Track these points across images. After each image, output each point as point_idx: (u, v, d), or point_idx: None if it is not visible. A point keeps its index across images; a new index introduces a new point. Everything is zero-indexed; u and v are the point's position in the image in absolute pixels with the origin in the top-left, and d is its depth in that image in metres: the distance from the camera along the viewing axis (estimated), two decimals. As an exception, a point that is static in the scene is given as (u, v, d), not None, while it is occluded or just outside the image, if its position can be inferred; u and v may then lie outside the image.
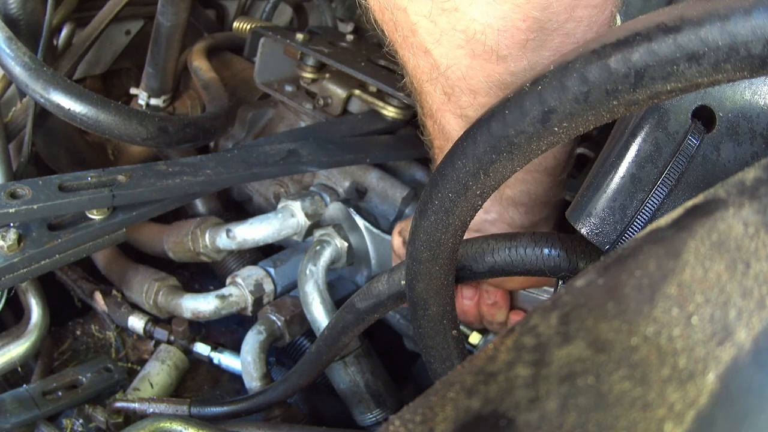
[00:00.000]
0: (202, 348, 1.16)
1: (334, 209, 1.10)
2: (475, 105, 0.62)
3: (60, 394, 0.95)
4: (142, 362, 1.14)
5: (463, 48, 0.56)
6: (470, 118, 0.63)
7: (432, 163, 0.80)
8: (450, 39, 0.56)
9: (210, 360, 1.16)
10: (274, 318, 1.08)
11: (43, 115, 1.06)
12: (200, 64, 1.33)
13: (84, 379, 0.98)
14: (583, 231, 0.54)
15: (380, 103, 1.18)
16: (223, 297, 1.07)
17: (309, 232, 1.11)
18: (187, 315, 1.09)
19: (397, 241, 0.90)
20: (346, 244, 1.08)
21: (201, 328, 1.26)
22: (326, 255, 1.06)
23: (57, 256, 0.86)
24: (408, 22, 0.58)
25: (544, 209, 0.75)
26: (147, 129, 0.96)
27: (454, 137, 0.67)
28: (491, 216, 0.74)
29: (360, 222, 1.06)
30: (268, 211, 1.14)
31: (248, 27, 1.47)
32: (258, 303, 1.10)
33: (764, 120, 0.51)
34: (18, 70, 0.90)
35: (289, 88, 1.27)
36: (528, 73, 0.56)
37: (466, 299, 0.85)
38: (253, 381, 1.02)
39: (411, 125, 1.17)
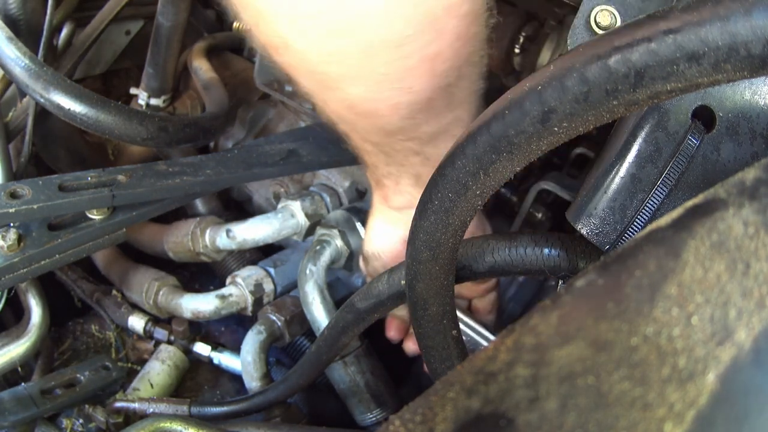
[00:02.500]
0: (202, 348, 1.16)
1: (336, 216, 1.10)
2: (372, 139, 0.69)
3: (58, 392, 0.95)
4: (142, 362, 1.14)
5: (346, 111, 0.64)
6: (373, 142, 0.70)
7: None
8: (335, 104, 0.64)
9: (210, 360, 1.16)
10: (274, 318, 1.08)
11: (43, 115, 1.06)
12: (200, 64, 1.33)
13: (82, 378, 0.97)
14: (583, 231, 0.54)
15: (380, 103, 1.18)
16: (223, 297, 1.07)
17: (309, 232, 1.11)
18: (187, 315, 1.09)
19: (360, 261, 0.92)
20: (346, 248, 1.08)
21: (201, 328, 1.26)
22: (326, 255, 1.06)
23: (57, 256, 0.86)
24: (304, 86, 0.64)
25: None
26: (147, 129, 0.96)
27: (363, 149, 0.73)
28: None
29: (363, 231, 1.06)
30: (268, 211, 1.14)
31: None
32: (258, 303, 1.10)
33: (764, 120, 0.51)
34: (18, 70, 0.90)
35: (289, 88, 1.27)
36: (409, 120, 0.62)
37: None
38: (253, 381, 1.02)
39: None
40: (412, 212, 0.75)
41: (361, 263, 0.91)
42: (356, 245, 1.08)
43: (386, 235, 0.82)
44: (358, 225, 1.06)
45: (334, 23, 0.52)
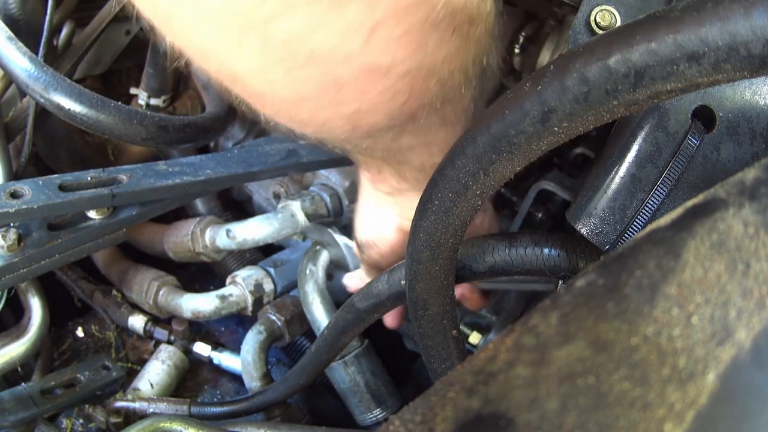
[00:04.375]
0: (202, 348, 1.16)
1: (311, 229, 1.09)
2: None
3: (58, 392, 0.95)
4: (142, 362, 1.14)
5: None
6: None
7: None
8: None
9: (210, 360, 1.16)
10: (274, 318, 1.08)
11: (43, 115, 1.06)
12: (200, 64, 1.33)
13: (82, 378, 0.97)
14: (583, 231, 0.54)
15: (380, 103, 1.18)
16: (223, 297, 1.08)
17: (309, 232, 1.11)
18: (187, 315, 1.09)
19: (354, 247, 0.87)
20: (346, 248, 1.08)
21: (201, 328, 1.26)
22: (326, 255, 1.06)
23: (57, 256, 0.86)
24: None
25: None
26: (147, 129, 0.96)
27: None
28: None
29: (340, 240, 1.05)
30: (268, 211, 1.14)
31: (248, 27, 1.47)
32: (258, 303, 1.10)
33: (764, 120, 0.51)
34: (18, 70, 0.90)
35: (289, 88, 1.27)
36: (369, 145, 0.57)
37: None
38: (253, 381, 1.02)
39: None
40: (401, 198, 0.71)
41: (356, 251, 0.87)
42: (336, 256, 1.07)
43: (378, 220, 0.76)
44: (338, 237, 1.05)
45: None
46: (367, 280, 0.86)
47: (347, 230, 1.06)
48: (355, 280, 0.92)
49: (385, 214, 0.75)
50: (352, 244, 1.04)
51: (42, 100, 0.90)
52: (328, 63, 0.44)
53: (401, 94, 0.48)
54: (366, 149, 0.62)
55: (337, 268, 1.09)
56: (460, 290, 0.84)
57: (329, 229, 1.06)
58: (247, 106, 0.53)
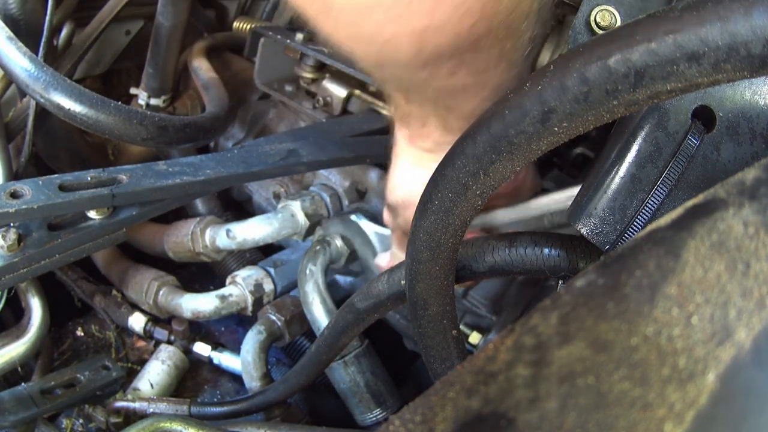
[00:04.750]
0: (202, 348, 1.16)
1: (333, 223, 1.09)
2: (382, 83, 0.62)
3: (58, 392, 0.95)
4: (142, 362, 1.14)
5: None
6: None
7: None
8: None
9: (210, 360, 1.16)
10: (274, 318, 1.08)
11: (43, 115, 1.06)
12: (200, 64, 1.33)
13: (82, 378, 0.98)
14: (583, 231, 0.54)
15: (380, 103, 1.18)
16: (223, 297, 1.08)
17: (309, 232, 1.11)
18: (187, 315, 1.09)
19: (386, 214, 0.84)
20: (346, 248, 1.08)
21: (201, 328, 1.26)
22: (326, 255, 1.06)
23: (57, 256, 0.86)
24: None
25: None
26: (147, 129, 0.96)
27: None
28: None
29: (369, 228, 1.05)
30: (268, 211, 1.14)
31: (248, 27, 1.47)
32: (258, 303, 1.10)
33: (764, 120, 0.51)
34: (18, 70, 0.90)
35: (289, 88, 1.28)
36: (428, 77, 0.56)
37: None
38: (253, 381, 1.02)
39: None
40: (443, 154, 0.72)
41: (386, 217, 0.83)
42: (360, 245, 1.07)
43: (417, 177, 0.72)
44: (363, 224, 1.05)
45: None
46: (399, 254, 0.84)
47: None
48: (386, 258, 0.90)
49: (424, 171, 0.71)
50: (382, 231, 1.03)
51: (42, 100, 0.90)
52: None
53: (471, 14, 0.48)
54: (418, 87, 0.61)
55: (355, 261, 1.09)
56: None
57: (353, 217, 1.05)
58: (308, 19, 0.52)
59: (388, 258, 0.90)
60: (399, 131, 0.73)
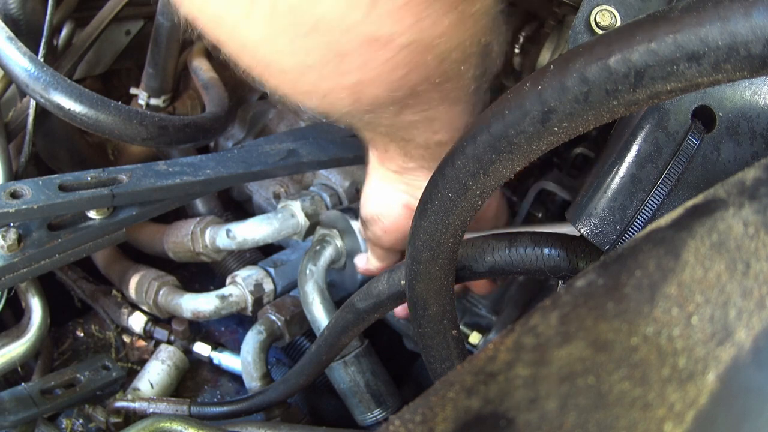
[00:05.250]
0: (202, 348, 1.16)
1: (330, 216, 1.10)
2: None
3: (58, 392, 0.95)
4: (142, 362, 1.14)
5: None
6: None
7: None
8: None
9: (210, 360, 1.16)
10: (274, 318, 1.08)
11: (43, 115, 1.06)
12: (200, 64, 1.33)
13: (82, 378, 0.98)
14: (583, 231, 0.54)
15: (380, 103, 1.18)
16: (223, 297, 1.08)
17: (309, 232, 1.11)
18: (187, 315, 1.09)
19: (359, 224, 0.88)
20: (346, 247, 1.08)
21: (201, 328, 1.26)
22: (326, 255, 1.06)
23: (57, 256, 0.86)
24: None
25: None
26: (147, 129, 0.96)
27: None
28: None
29: (356, 226, 1.06)
30: (268, 211, 1.14)
31: (248, 27, 1.47)
32: (258, 303, 1.10)
33: (764, 120, 0.51)
34: (18, 70, 0.90)
35: (289, 88, 1.27)
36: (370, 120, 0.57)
37: None
38: (253, 381, 1.02)
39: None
40: (408, 176, 0.71)
41: (360, 228, 0.87)
42: (351, 246, 1.08)
43: (384, 196, 0.77)
44: (354, 224, 1.05)
45: None
46: (372, 260, 0.89)
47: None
48: (362, 260, 0.95)
49: (392, 191, 0.76)
50: None
51: (42, 100, 0.90)
52: (331, 32, 0.45)
53: (401, 66, 0.49)
54: (370, 124, 0.63)
55: (349, 257, 1.09)
56: None
57: (346, 216, 1.06)
58: (254, 77, 0.55)
59: (364, 260, 0.94)
60: (369, 151, 0.77)
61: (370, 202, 0.80)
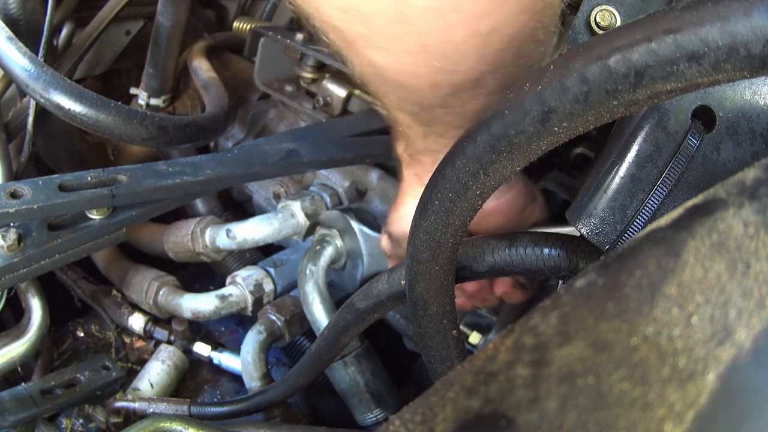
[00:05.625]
0: (202, 348, 1.16)
1: (330, 216, 1.10)
2: (404, 110, 0.61)
3: (59, 392, 0.95)
4: (142, 362, 1.14)
5: (376, 80, 0.56)
6: (407, 111, 0.63)
7: (391, 129, 0.77)
8: (363, 71, 0.56)
9: (210, 360, 1.16)
10: (274, 318, 1.08)
11: (43, 115, 1.06)
12: (200, 64, 1.33)
13: (82, 378, 0.98)
14: (583, 231, 0.54)
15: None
16: (223, 297, 1.08)
17: (309, 232, 1.11)
18: (187, 315, 1.09)
19: (384, 241, 0.88)
20: (346, 247, 1.08)
21: (201, 328, 1.26)
22: (326, 255, 1.06)
23: (57, 256, 0.86)
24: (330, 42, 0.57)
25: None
26: (147, 129, 0.96)
27: (400, 121, 0.66)
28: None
29: (356, 226, 1.06)
30: (268, 211, 1.14)
31: (248, 27, 1.47)
32: (258, 303, 1.10)
33: (764, 120, 0.51)
34: (18, 70, 0.90)
35: (289, 88, 1.28)
36: (451, 97, 0.55)
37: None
38: (253, 381, 1.02)
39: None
40: None
41: (386, 245, 0.86)
42: (351, 246, 1.08)
43: None
44: (354, 224, 1.05)
45: None
46: None
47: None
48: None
49: None
50: (369, 232, 1.04)
51: (42, 100, 0.90)
52: None
53: (519, 22, 0.48)
54: (433, 118, 0.61)
55: (349, 257, 1.09)
56: (502, 288, 0.83)
57: (346, 216, 1.06)
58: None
59: None
60: (407, 170, 0.75)
61: (404, 221, 0.78)
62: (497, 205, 0.74)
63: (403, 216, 0.79)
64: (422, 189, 0.73)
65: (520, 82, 0.42)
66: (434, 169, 0.70)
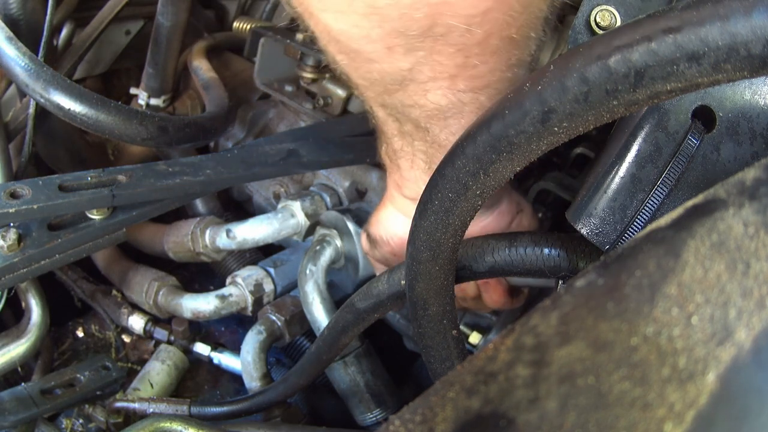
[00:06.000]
0: (202, 348, 1.16)
1: (329, 217, 1.10)
2: (372, 90, 0.61)
3: (58, 392, 0.95)
4: (142, 362, 1.14)
5: (332, 46, 0.56)
6: (375, 100, 0.63)
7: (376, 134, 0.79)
8: (321, 37, 0.56)
9: (210, 360, 1.16)
10: (274, 318, 1.08)
11: (43, 115, 1.06)
12: (200, 64, 1.33)
13: (82, 378, 0.98)
14: (583, 231, 0.54)
15: (380, 103, 1.18)
16: (223, 297, 1.08)
17: (309, 232, 1.11)
18: (187, 315, 1.09)
19: (363, 239, 0.89)
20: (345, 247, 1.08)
21: (201, 328, 1.26)
22: (326, 255, 1.06)
23: (57, 256, 0.86)
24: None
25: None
26: (147, 129, 0.96)
27: (376, 115, 0.67)
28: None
29: (353, 228, 1.06)
30: (268, 211, 1.14)
31: (248, 27, 1.47)
32: (258, 303, 1.10)
33: (764, 120, 0.51)
34: (18, 70, 0.90)
35: (289, 88, 1.27)
36: (411, 70, 0.55)
37: None
38: (253, 381, 1.02)
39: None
40: None
41: (365, 245, 0.88)
42: (348, 248, 1.08)
43: (398, 221, 0.79)
44: (351, 226, 1.05)
45: None
46: (380, 267, 0.90)
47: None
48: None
49: (404, 218, 0.78)
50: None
51: (42, 100, 0.90)
52: None
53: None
54: (400, 109, 0.61)
55: (346, 258, 1.09)
56: (496, 298, 0.84)
57: (345, 218, 1.06)
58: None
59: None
60: (389, 177, 0.78)
61: (382, 226, 0.82)
62: (482, 228, 0.75)
63: (380, 220, 0.83)
64: (401, 197, 0.76)
65: (520, 82, 0.42)
66: (413, 177, 0.72)
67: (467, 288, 0.83)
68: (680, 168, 0.51)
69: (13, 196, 0.80)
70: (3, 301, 0.90)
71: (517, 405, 0.28)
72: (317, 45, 0.59)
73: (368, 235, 0.86)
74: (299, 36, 1.21)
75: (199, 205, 1.30)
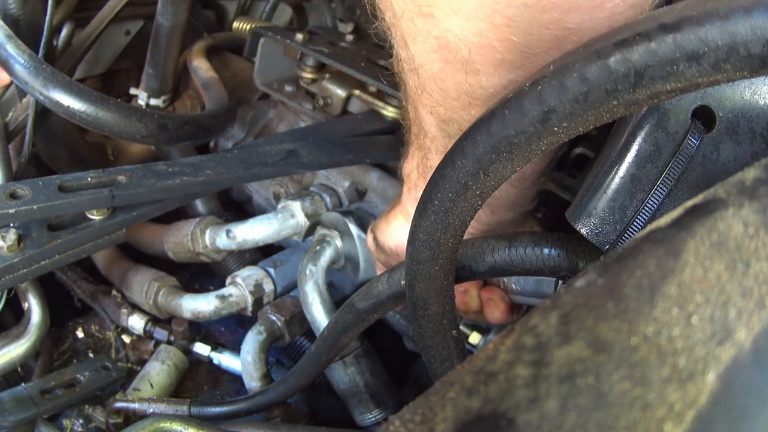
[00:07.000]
0: (202, 348, 1.16)
1: (330, 218, 1.10)
2: (446, 105, 0.60)
3: (59, 392, 0.95)
4: (142, 362, 1.14)
5: (437, 53, 0.55)
6: (441, 115, 0.62)
7: (405, 145, 0.80)
8: (425, 40, 0.54)
9: (210, 360, 1.16)
10: (274, 318, 1.08)
11: (43, 115, 1.06)
12: (200, 64, 1.33)
13: (82, 378, 0.98)
14: (583, 231, 0.54)
15: (380, 103, 1.18)
16: (223, 297, 1.08)
17: (309, 232, 1.11)
18: (187, 315, 1.09)
19: (370, 240, 0.89)
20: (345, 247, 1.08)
21: (201, 328, 1.26)
22: (326, 255, 1.06)
23: (57, 256, 0.86)
24: (393, 12, 0.56)
25: (509, 212, 0.74)
26: (146, 126, 0.96)
27: (427, 129, 0.66)
28: None
29: (354, 231, 1.06)
30: (268, 211, 1.14)
31: (248, 27, 1.47)
32: (258, 303, 1.10)
33: (764, 120, 0.51)
34: (17, 68, 0.89)
35: (289, 88, 1.27)
36: (501, 89, 0.54)
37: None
38: (253, 381, 1.02)
39: (411, 125, 1.17)
40: None
41: (372, 246, 0.88)
42: (348, 249, 1.08)
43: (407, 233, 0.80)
44: (353, 228, 1.05)
45: None
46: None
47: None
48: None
49: None
50: (365, 236, 1.05)
51: (41, 98, 0.89)
52: None
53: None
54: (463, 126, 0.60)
55: (346, 259, 1.09)
56: (487, 294, 0.83)
57: (346, 219, 1.06)
58: None
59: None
60: (411, 191, 0.79)
61: (391, 237, 0.83)
62: None
63: (390, 231, 0.83)
64: (413, 211, 0.75)
65: (519, 83, 0.42)
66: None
67: (470, 302, 0.82)
68: (680, 168, 0.51)
69: (13, 196, 0.79)
70: (3, 301, 0.90)
71: (517, 405, 0.28)
72: (391, 47, 0.58)
73: (375, 238, 0.86)
74: (299, 36, 1.21)
75: (199, 205, 1.30)
